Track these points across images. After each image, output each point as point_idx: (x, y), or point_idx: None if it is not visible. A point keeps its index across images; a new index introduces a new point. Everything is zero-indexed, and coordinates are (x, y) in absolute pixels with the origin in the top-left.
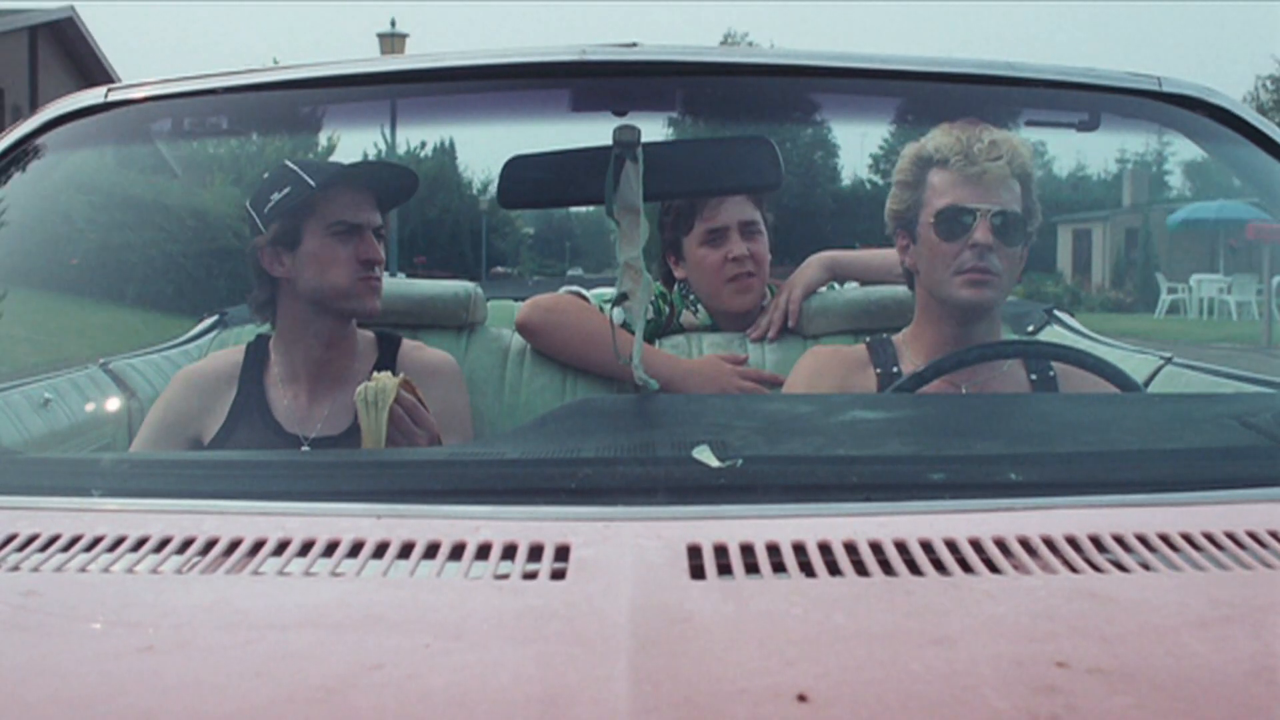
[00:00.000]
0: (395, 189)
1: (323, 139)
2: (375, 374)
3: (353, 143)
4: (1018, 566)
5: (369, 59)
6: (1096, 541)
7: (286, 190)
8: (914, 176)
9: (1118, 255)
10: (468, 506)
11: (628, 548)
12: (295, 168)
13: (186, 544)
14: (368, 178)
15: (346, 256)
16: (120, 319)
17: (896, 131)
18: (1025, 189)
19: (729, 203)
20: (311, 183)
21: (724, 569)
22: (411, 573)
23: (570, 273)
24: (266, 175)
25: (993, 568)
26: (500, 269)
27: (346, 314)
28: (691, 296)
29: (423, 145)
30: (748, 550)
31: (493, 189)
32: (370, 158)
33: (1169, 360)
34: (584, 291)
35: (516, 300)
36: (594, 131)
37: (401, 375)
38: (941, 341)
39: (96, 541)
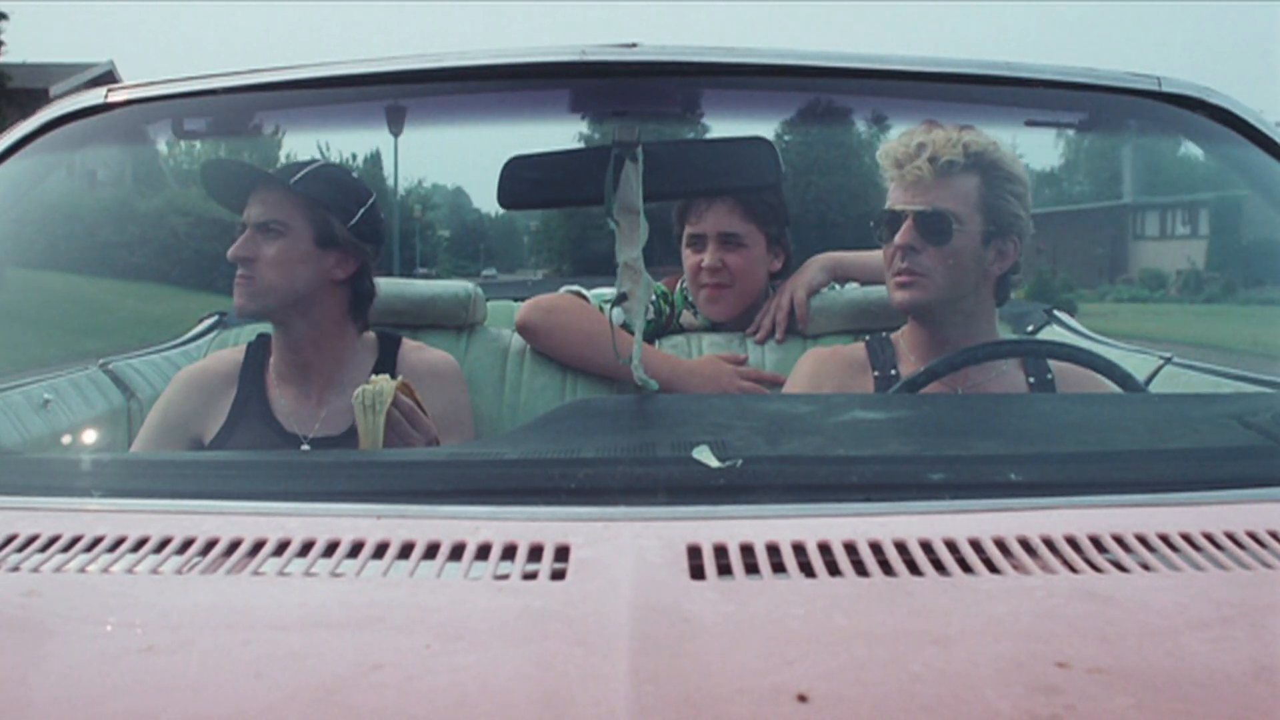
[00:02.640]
0: (301, 194)
1: (313, 140)
2: (373, 377)
3: (349, 143)
4: (1018, 566)
5: (369, 59)
6: (1096, 541)
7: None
8: (887, 184)
9: None
10: (468, 506)
11: (628, 548)
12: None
13: (186, 544)
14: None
15: (232, 253)
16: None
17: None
18: (987, 182)
19: (713, 211)
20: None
21: (724, 569)
22: (411, 573)
23: (485, 273)
24: None
25: (993, 568)
26: (422, 270)
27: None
28: (692, 296)
29: (354, 156)
30: (748, 550)
31: (418, 194)
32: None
33: (1169, 360)
34: (584, 291)
35: (516, 300)
36: (594, 132)
37: (400, 379)
38: (932, 341)
39: (96, 541)
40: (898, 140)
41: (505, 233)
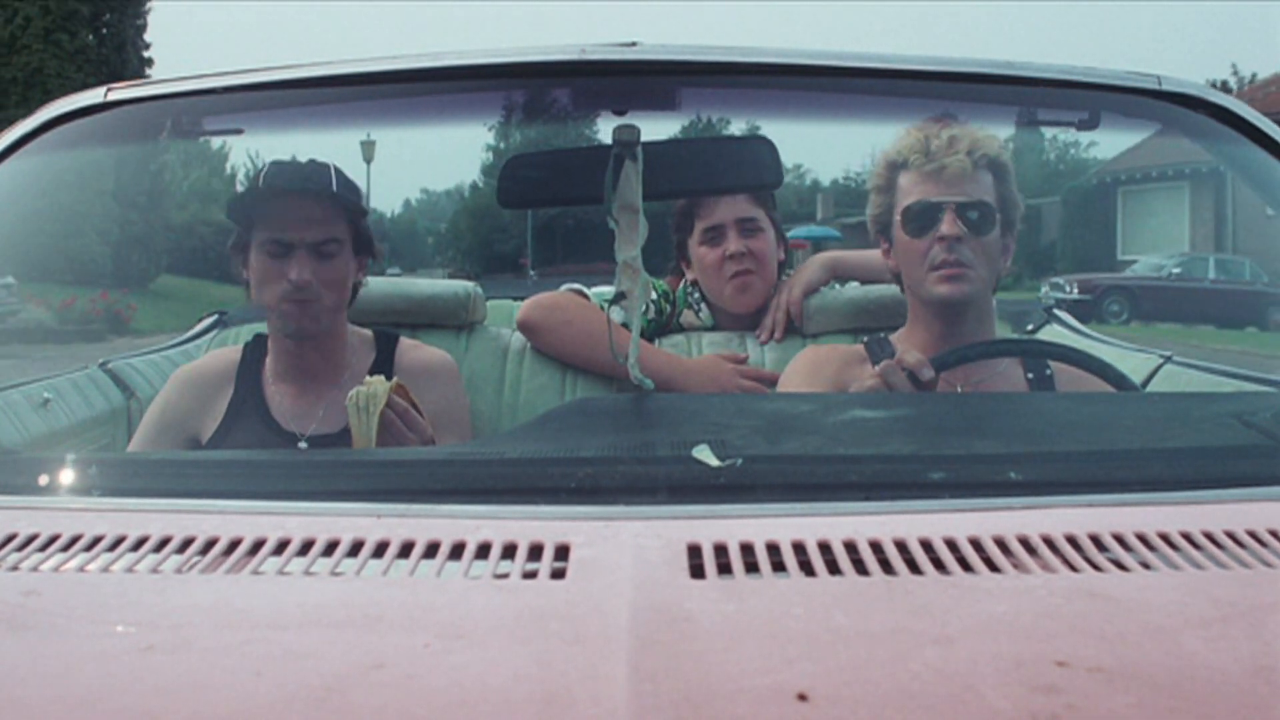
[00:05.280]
0: (347, 204)
1: (312, 139)
2: (368, 378)
3: (348, 142)
4: (1018, 566)
5: (368, 59)
6: (1096, 541)
7: (242, 194)
8: (886, 181)
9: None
10: (468, 506)
11: (628, 547)
12: (260, 172)
13: (186, 544)
14: (314, 194)
15: (277, 275)
16: None
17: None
18: (999, 179)
19: (725, 200)
20: (254, 191)
21: (724, 568)
22: (411, 572)
23: (390, 271)
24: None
25: (993, 567)
26: None
27: (281, 331)
28: (695, 295)
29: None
30: (747, 550)
31: None
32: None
33: (1168, 359)
34: (585, 290)
35: (516, 300)
36: (594, 131)
37: (395, 380)
38: (933, 340)
39: (96, 541)
40: (916, 135)
41: (407, 233)
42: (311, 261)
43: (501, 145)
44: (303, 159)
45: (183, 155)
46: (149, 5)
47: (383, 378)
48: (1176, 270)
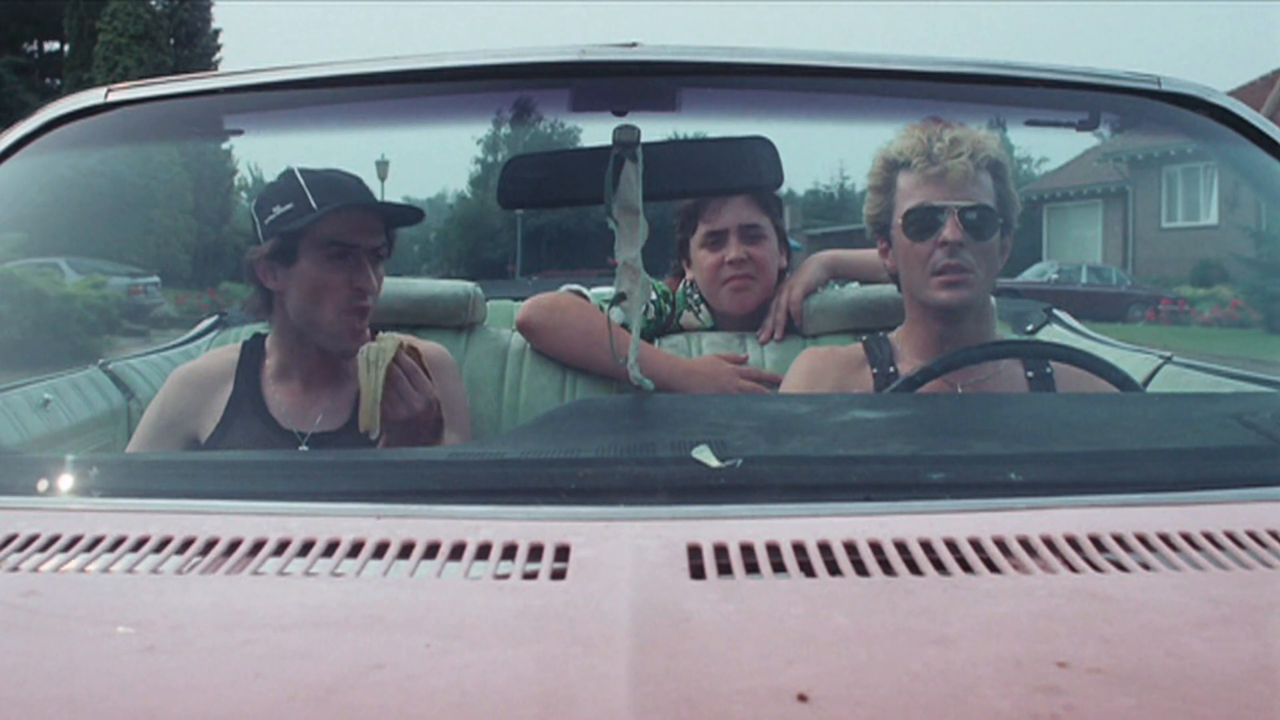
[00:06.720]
0: (399, 219)
1: (312, 140)
2: (380, 334)
3: (350, 143)
4: (1018, 566)
5: (368, 59)
6: (1096, 541)
7: (289, 207)
8: (884, 180)
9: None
10: (468, 506)
11: (628, 548)
12: (301, 182)
13: (186, 544)
14: (375, 208)
15: (339, 283)
16: None
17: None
18: (998, 180)
19: (730, 206)
20: (314, 205)
21: (724, 569)
22: (411, 573)
23: None
24: (274, 180)
25: (993, 568)
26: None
27: (331, 342)
28: (695, 296)
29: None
30: (748, 550)
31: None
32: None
33: (1168, 359)
34: (585, 290)
35: (516, 300)
36: (594, 131)
37: (408, 341)
38: (931, 340)
39: (96, 541)
40: (917, 135)
41: (402, 237)
42: (369, 266)
43: (490, 160)
44: (302, 160)
45: (249, 178)
46: (218, 57)
47: (394, 335)
48: (1055, 276)
